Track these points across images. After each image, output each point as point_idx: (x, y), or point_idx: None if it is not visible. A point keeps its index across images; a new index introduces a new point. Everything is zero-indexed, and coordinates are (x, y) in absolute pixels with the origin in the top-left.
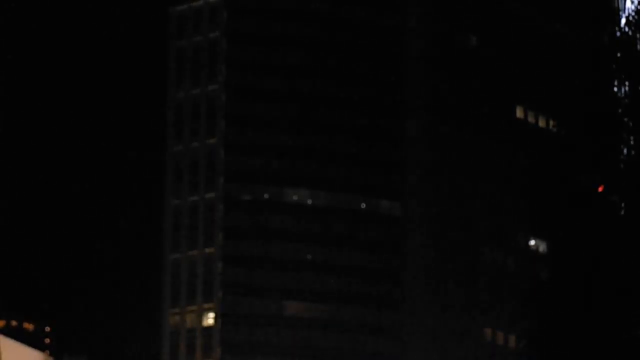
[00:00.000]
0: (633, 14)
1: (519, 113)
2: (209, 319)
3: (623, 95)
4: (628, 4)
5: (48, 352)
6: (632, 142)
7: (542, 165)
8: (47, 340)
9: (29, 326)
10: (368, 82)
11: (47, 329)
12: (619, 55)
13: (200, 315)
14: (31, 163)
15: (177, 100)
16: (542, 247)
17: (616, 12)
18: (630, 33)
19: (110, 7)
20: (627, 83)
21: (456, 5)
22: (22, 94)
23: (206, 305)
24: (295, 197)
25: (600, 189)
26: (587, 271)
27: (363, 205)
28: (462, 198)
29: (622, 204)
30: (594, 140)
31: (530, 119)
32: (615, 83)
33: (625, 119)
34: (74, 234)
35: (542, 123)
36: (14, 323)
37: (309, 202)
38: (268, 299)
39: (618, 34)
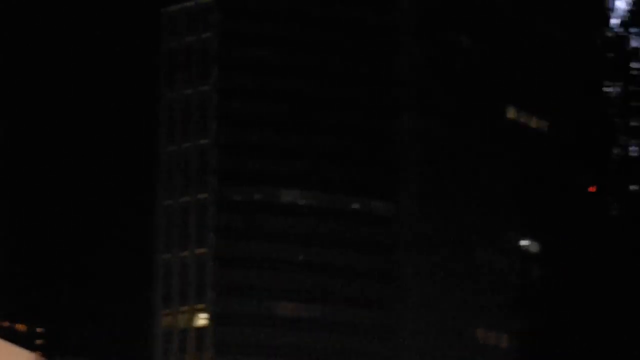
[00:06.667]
0: (623, 14)
1: (511, 113)
2: (201, 319)
3: (614, 95)
4: (618, 4)
5: (40, 352)
6: (623, 143)
7: (533, 165)
8: (39, 341)
9: (20, 327)
10: (360, 82)
11: (39, 329)
12: (610, 55)
13: (192, 316)
14: (21, 163)
15: (169, 101)
16: (534, 247)
17: (607, 13)
18: (620, 34)
19: (102, 6)
20: (617, 83)
21: (448, 5)
22: (10, 93)
23: (198, 306)
24: (287, 198)
25: (592, 189)
26: (579, 271)
27: (356, 206)
28: (454, 198)
29: (614, 204)
30: (586, 140)
31: (522, 120)
32: (607, 83)
33: (617, 120)
34: (65, 234)
35: (533, 124)
36: (5, 324)
37: (301, 202)
38: (260, 300)
39: (609, 34)
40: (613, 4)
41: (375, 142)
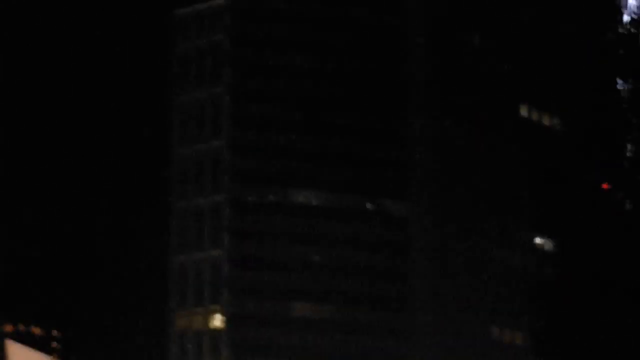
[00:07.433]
0: (635, 11)
1: (523, 111)
2: (216, 320)
3: (626, 92)
4: (630, 1)
5: (56, 356)
6: (636, 140)
7: (546, 163)
8: (55, 345)
9: (37, 330)
10: (372, 82)
11: (55, 333)
12: (621, 52)
13: (207, 317)
14: (36, 166)
15: (182, 103)
16: (548, 245)
17: (618, 10)
18: (632, 30)
19: (115, 10)
20: (630, 80)
21: (459, 4)
22: (23, 96)
23: (213, 307)
24: (300, 198)
25: (605, 187)
26: (593, 268)
27: (368, 206)
28: (468, 197)
29: (627, 201)
30: (598, 137)
31: (535, 118)
32: (619, 81)
33: (629, 116)
34: (80, 237)
35: (546, 121)
36: (22, 327)
37: (315, 203)
38: (275, 301)
39: (621, 31)
40: (625, 1)
41: (388, 142)
